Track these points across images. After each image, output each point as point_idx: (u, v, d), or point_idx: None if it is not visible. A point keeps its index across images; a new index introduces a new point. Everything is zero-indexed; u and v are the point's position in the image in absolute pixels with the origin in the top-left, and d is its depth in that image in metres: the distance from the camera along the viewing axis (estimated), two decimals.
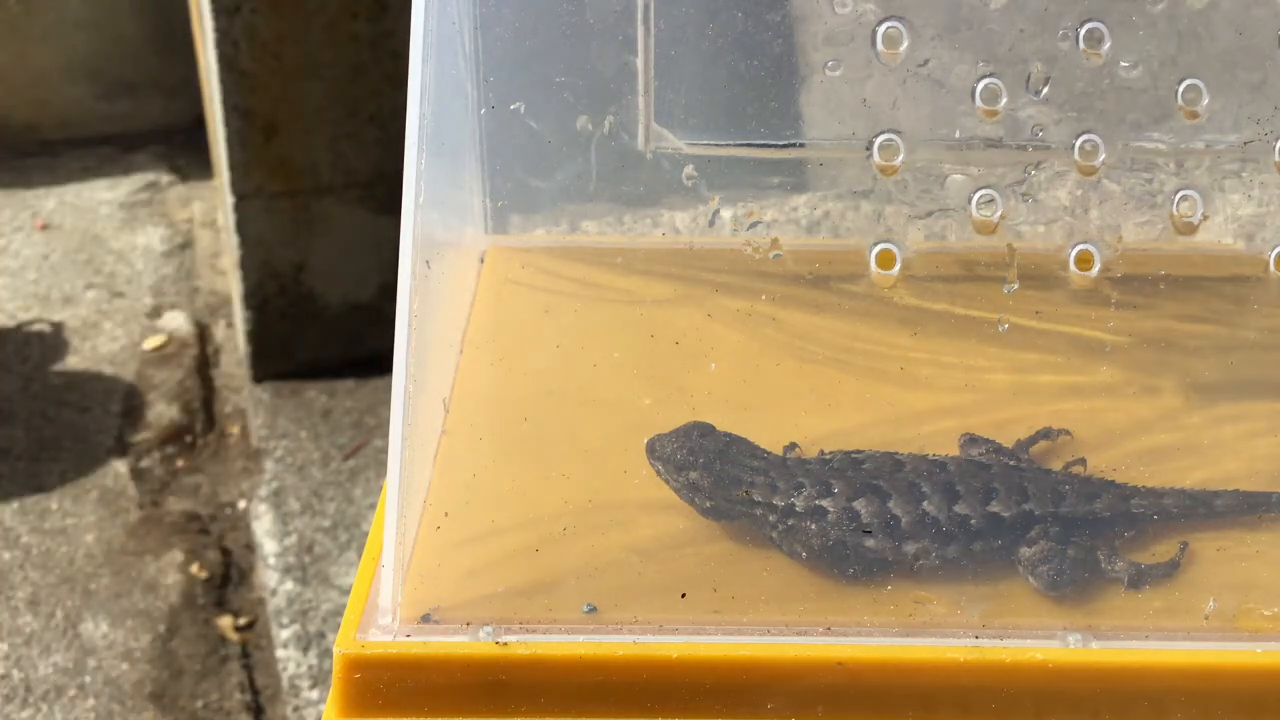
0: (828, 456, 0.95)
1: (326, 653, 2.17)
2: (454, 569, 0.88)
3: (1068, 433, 1.00)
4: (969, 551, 0.90)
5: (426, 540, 0.90)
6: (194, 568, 2.39)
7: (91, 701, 2.11)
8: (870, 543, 0.89)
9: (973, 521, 0.90)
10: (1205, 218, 1.05)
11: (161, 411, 2.77)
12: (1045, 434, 1.00)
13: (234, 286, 2.84)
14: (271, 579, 2.31)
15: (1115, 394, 1.05)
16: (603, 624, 0.84)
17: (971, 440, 0.98)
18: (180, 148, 3.73)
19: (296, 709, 2.09)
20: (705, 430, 0.96)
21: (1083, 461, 0.97)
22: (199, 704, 2.13)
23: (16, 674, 2.16)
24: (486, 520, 0.93)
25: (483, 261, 1.18)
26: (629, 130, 1.09)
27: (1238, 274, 1.13)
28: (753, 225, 1.09)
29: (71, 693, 2.13)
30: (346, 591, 2.24)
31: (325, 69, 2.56)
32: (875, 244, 1.07)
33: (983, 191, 1.05)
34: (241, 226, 2.66)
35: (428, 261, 0.91)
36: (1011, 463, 0.96)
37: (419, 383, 0.88)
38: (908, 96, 1.02)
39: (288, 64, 2.53)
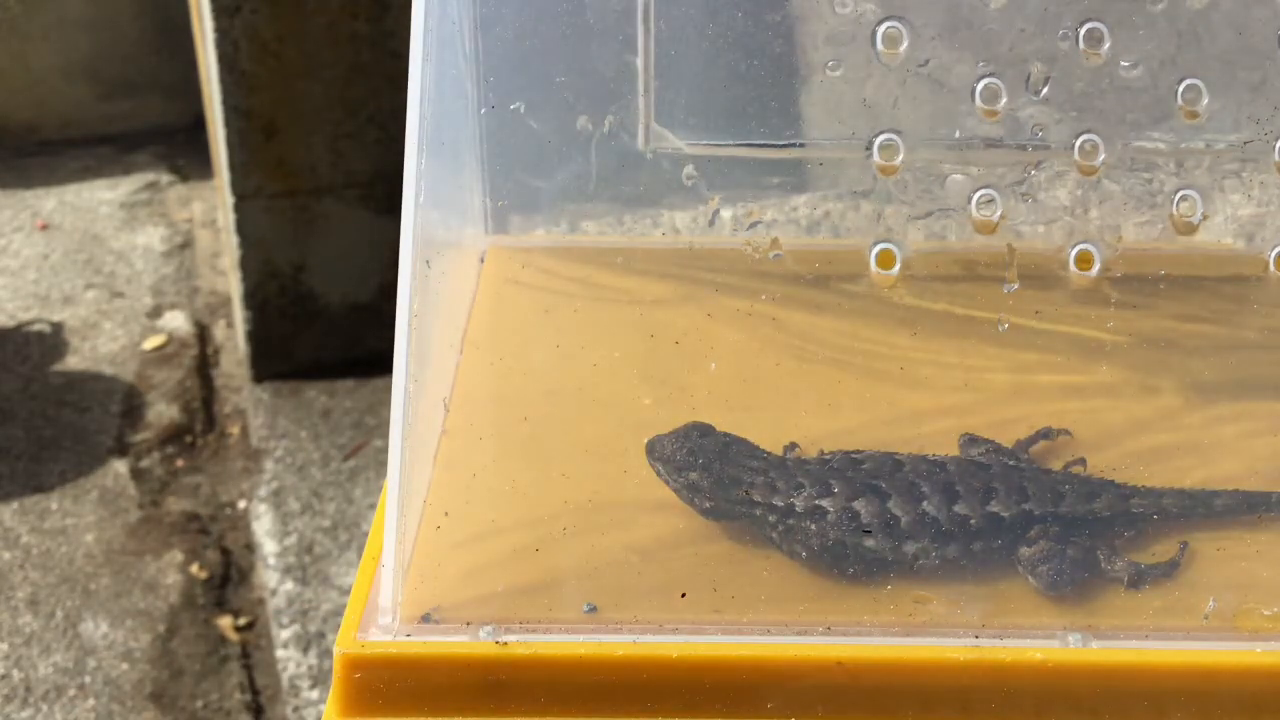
0: (827, 456, 0.95)
1: (326, 653, 2.17)
2: (454, 569, 0.88)
3: (1068, 433, 1.00)
4: (969, 551, 0.90)
5: (426, 540, 0.90)
6: (194, 568, 2.39)
7: (91, 701, 2.11)
8: (870, 543, 0.89)
9: (972, 521, 0.90)
10: (1205, 218, 1.05)
11: (161, 411, 2.77)
12: (1045, 434, 1.00)
13: (234, 286, 2.84)
14: (271, 579, 2.31)
15: (1115, 394, 1.05)
16: (603, 624, 0.84)
17: (971, 440, 0.98)
18: (180, 148, 3.74)
19: (296, 709, 2.09)
20: (705, 430, 0.96)
21: (1083, 461, 0.97)
22: (199, 704, 2.13)
23: (16, 674, 2.16)
24: (486, 520, 0.93)
25: (483, 261, 1.18)
26: (629, 130, 1.09)
27: (1238, 274, 1.13)
28: (753, 225, 1.09)
29: (71, 693, 2.13)
30: (346, 591, 2.24)
31: (325, 69, 2.56)
32: (875, 244, 1.07)
33: (983, 191, 1.05)
34: (241, 226, 2.66)
35: (428, 261, 0.91)
36: (1011, 463, 0.96)
37: (419, 383, 0.88)
38: (908, 96, 1.02)
39: (288, 64, 2.53)
